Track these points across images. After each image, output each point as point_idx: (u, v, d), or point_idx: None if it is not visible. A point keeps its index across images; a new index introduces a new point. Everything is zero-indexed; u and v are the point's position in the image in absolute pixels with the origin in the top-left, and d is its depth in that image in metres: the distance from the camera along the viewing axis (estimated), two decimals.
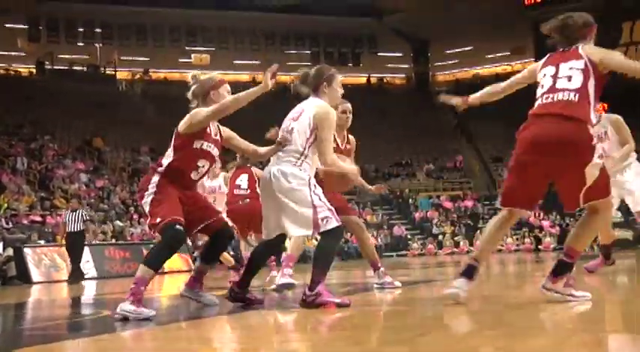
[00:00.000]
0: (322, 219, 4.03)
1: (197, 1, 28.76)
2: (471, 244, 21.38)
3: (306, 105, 4.35)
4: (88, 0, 27.28)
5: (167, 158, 4.31)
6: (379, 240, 22.81)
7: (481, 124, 27.24)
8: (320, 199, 4.09)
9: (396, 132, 29.38)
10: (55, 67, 29.32)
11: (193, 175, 4.35)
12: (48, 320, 5.36)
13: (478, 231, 21.48)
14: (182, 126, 4.24)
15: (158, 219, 4.06)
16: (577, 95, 3.67)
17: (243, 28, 31.43)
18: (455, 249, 22.05)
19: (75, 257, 12.27)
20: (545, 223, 24.05)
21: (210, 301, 4.67)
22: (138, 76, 31.44)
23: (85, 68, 30.05)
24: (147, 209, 4.21)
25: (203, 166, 4.40)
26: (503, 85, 4.30)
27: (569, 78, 3.74)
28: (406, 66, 36.34)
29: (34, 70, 29.43)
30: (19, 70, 29.60)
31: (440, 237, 23.93)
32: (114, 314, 4.00)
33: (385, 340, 3.01)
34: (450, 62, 35.55)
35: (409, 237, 24.59)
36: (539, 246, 22.63)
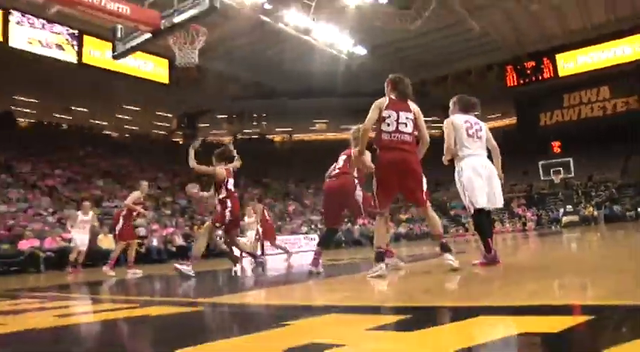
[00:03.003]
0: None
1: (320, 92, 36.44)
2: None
3: None
4: (261, 97, 36.45)
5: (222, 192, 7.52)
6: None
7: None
8: None
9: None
10: None
11: None
12: None
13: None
14: None
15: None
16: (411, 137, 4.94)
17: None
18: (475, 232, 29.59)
19: None
20: (528, 214, 31.07)
21: None
22: (287, 138, 41.22)
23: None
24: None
25: None
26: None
27: (406, 124, 4.92)
28: None
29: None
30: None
31: (466, 224, 29.41)
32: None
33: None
34: None
35: (448, 225, 31.11)
36: (526, 228, 28.97)
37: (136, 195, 10.59)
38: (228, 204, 7.60)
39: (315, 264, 6.08)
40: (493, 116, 40.69)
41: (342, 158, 6.31)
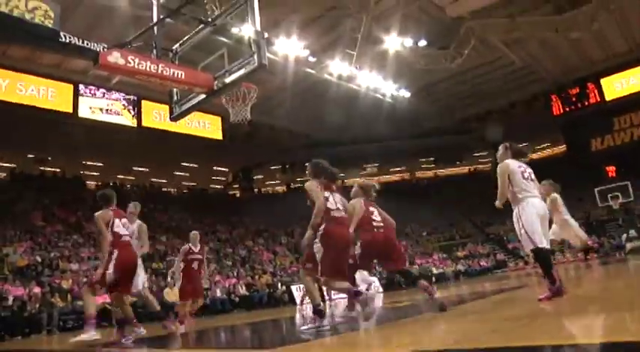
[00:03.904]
0: None
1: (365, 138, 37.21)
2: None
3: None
4: (311, 146, 35.99)
5: None
6: (487, 263, 30.91)
7: None
8: None
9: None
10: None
11: None
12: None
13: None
14: None
15: None
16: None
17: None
18: (535, 265, 28.59)
19: None
20: (589, 242, 31.83)
21: None
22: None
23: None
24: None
25: None
26: None
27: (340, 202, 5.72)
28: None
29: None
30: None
31: (525, 257, 26.60)
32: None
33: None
34: None
35: (506, 259, 31.46)
36: (588, 257, 24.55)
37: (184, 249, 9.89)
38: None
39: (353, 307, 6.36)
40: (542, 146, 40.34)
41: (375, 210, 6.25)
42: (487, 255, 32.93)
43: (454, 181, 40.35)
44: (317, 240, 5.45)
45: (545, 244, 5.31)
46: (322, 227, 5.39)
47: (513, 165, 5.64)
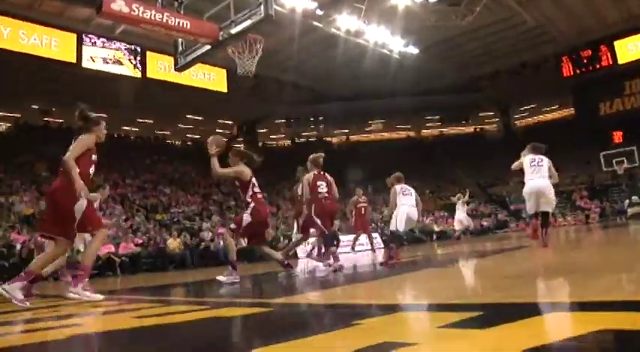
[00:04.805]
0: None
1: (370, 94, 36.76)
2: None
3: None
4: (317, 101, 36.88)
5: None
6: (488, 223, 30.76)
7: None
8: None
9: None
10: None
11: None
12: None
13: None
14: None
15: None
16: None
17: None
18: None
19: None
20: (592, 205, 30.64)
21: None
22: (344, 139, 41.88)
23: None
24: None
25: None
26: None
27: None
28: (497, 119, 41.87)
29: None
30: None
31: (527, 219, 26.21)
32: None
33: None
34: (521, 115, 40.50)
35: (508, 220, 31.74)
36: (589, 220, 28.64)
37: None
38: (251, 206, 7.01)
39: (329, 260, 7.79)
40: (550, 108, 40.04)
41: (323, 183, 7.79)
42: (489, 215, 33.11)
43: (459, 141, 40.08)
44: (247, 212, 7.08)
45: (531, 212, 7.78)
46: (252, 205, 6.96)
47: (527, 158, 7.73)
